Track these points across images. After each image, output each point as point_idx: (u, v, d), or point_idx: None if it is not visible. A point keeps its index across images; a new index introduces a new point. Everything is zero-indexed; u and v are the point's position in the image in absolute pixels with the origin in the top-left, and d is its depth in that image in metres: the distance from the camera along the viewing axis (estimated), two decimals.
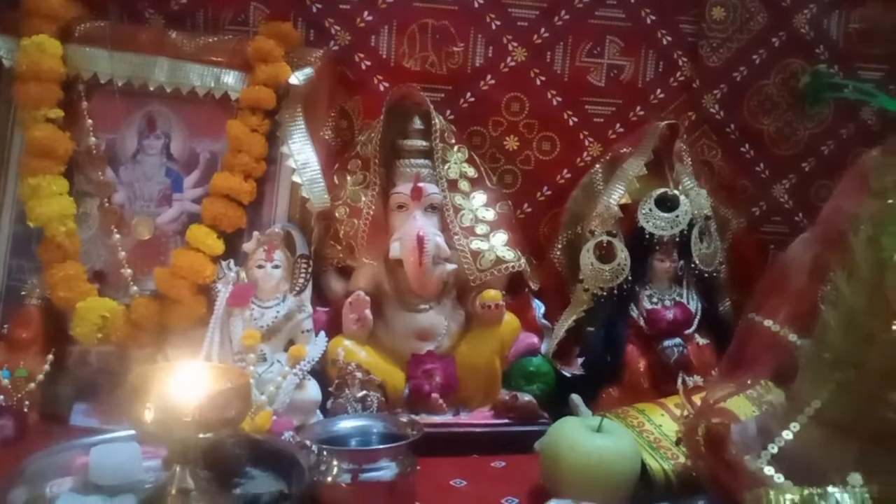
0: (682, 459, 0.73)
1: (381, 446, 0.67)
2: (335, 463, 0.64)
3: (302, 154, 0.91)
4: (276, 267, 0.87)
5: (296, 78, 0.91)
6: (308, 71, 0.93)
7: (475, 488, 0.75)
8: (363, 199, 0.94)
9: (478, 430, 0.88)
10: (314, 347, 0.88)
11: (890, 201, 0.57)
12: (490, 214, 0.96)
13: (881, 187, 0.58)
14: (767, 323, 0.62)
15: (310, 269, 0.91)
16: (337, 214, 0.94)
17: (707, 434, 0.66)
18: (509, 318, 0.93)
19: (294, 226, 0.91)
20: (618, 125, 1.06)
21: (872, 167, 0.61)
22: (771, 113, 1.08)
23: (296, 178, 0.90)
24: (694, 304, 0.97)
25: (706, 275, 0.98)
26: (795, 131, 1.09)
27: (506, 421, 0.89)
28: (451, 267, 0.92)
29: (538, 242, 1.06)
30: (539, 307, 1.00)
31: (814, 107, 1.07)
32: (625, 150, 1.02)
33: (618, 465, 0.68)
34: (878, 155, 0.61)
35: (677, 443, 0.75)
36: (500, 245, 0.94)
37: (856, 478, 0.50)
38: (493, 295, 0.91)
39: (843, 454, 0.57)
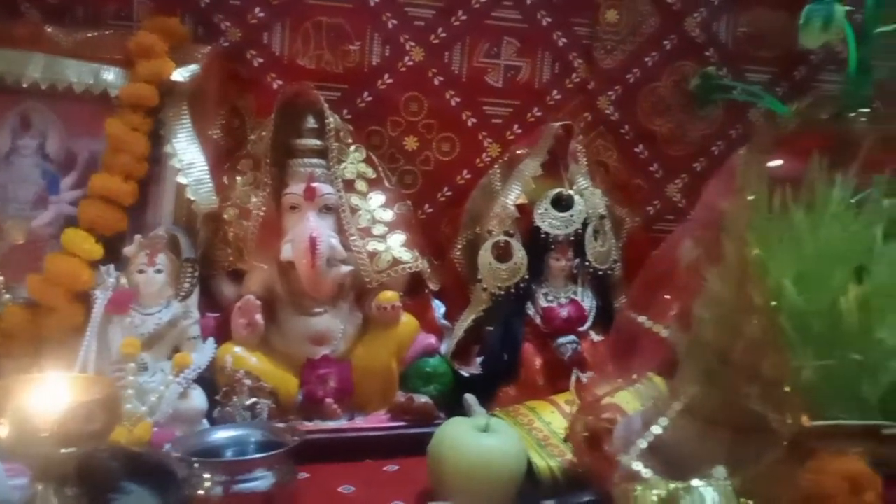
0: (569, 457, 0.74)
1: (254, 456, 0.65)
2: (207, 475, 0.61)
3: (187, 153, 0.87)
4: (159, 271, 0.84)
5: (180, 75, 0.88)
6: (193, 68, 0.89)
7: (363, 493, 0.74)
8: (253, 199, 0.91)
9: (372, 433, 0.86)
10: (200, 355, 0.84)
11: (752, 196, 0.58)
12: (388, 215, 0.95)
13: (745, 182, 0.60)
14: (641, 319, 0.63)
15: (196, 274, 0.87)
16: (226, 216, 0.91)
17: (587, 430, 0.67)
18: (407, 320, 0.92)
19: (179, 229, 0.88)
20: (516, 126, 1.06)
21: (740, 163, 0.63)
22: (664, 114, 1.10)
23: (181, 179, 0.87)
24: (588, 302, 0.99)
25: (601, 273, 1.00)
26: (687, 132, 1.12)
27: (402, 423, 0.88)
28: (346, 269, 0.90)
29: (440, 243, 1.05)
30: (439, 307, 1.00)
31: (704, 108, 1.10)
32: (522, 150, 1.02)
33: (501, 464, 0.68)
34: (744, 152, 0.63)
35: (565, 440, 0.76)
36: (397, 246, 0.93)
37: (720, 471, 0.51)
38: (390, 296, 0.90)
39: (714, 447, 0.59)
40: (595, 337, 0.97)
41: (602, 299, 1.00)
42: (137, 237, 0.84)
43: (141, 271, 0.83)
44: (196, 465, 0.62)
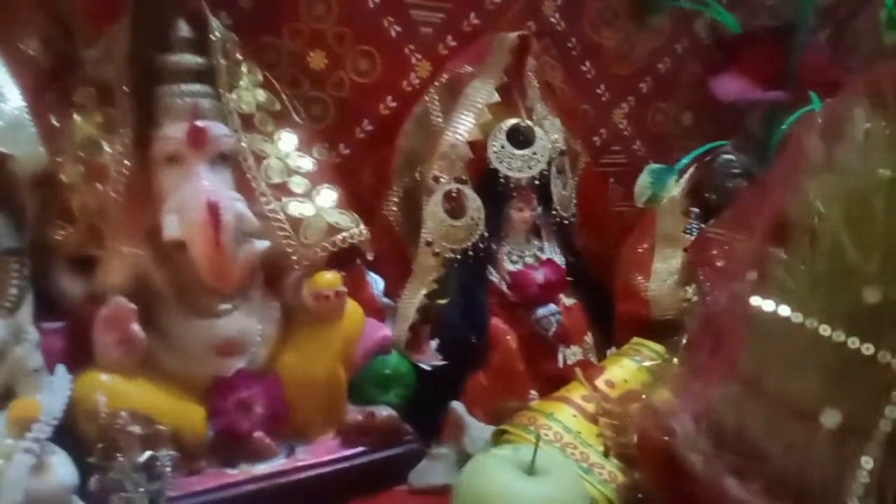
0: (621, 478, 0.56)
1: None
2: None
3: None
4: None
5: None
6: None
7: None
8: (107, 149, 0.60)
9: (322, 470, 0.62)
10: (52, 395, 0.54)
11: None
12: (307, 163, 0.68)
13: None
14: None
15: (26, 272, 0.56)
16: (64, 177, 0.59)
17: (642, 440, 0.49)
18: (351, 308, 0.67)
19: None
20: (449, 37, 0.82)
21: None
22: (612, 24, 0.92)
23: None
24: (560, 260, 0.81)
25: (565, 222, 0.82)
26: (634, 47, 0.95)
27: (361, 449, 0.65)
28: (262, 245, 0.63)
29: (363, 196, 0.79)
30: (377, 283, 0.76)
31: (653, 15, 0.93)
32: (466, 69, 0.79)
33: None
34: None
35: (605, 455, 0.58)
36: (329, 206, 0.67)
37: None
38: (330, 280, 0.64)
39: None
40: (566, 300, 0.80)
41: (568, 253, 0.83)
42: None
43: None
44: None
